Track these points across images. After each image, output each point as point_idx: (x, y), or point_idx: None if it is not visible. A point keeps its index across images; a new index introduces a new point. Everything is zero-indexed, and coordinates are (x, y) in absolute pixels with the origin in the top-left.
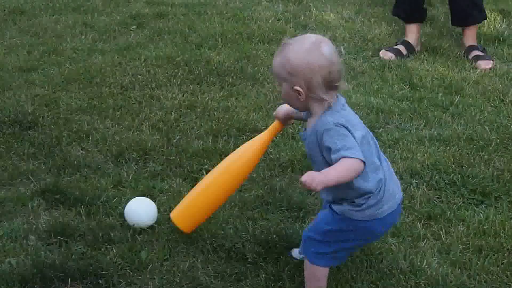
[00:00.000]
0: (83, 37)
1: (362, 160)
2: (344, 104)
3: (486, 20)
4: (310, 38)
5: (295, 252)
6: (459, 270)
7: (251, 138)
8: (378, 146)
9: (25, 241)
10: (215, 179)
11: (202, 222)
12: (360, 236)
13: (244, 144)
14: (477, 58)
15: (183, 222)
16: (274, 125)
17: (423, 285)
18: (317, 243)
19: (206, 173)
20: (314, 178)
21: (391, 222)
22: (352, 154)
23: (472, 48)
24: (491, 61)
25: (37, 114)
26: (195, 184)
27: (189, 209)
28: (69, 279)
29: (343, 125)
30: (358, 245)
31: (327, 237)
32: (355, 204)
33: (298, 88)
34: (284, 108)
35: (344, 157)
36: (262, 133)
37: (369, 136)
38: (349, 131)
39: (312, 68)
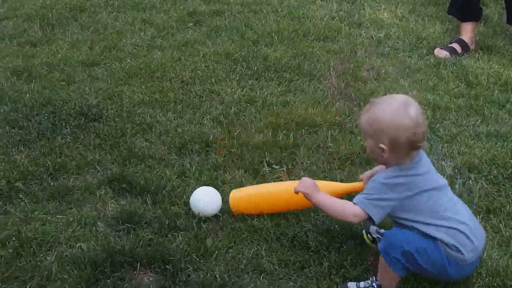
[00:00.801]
0: (142, 33)
1: (361, 213)
2: (418, 161)
3: None
4: (398, 99)
5: (372, 229)
6: None
7: (310, 132)
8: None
9: (94, 228)
10: (284, 191)
11: (250, 211)
12: (435, 268)
13: (325, 182)
14: None
15: (235, 203)
16: (357, 184)
17: (484, 275)
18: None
19: (267, 165)
20: (307, 188)
21: (468, 271)
22: (360, 203)
23: None
24: None
25: (101, 106)
26: (257, 175)
27: (250, 198)
28: (138, 264)
29: (388, 184)
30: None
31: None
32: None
33: (382, 146)
34: (368, 174)
35: (355, 202)
36: (344, 184)
37: (434, 192)
38: (388, 191)
39: (398, 128)
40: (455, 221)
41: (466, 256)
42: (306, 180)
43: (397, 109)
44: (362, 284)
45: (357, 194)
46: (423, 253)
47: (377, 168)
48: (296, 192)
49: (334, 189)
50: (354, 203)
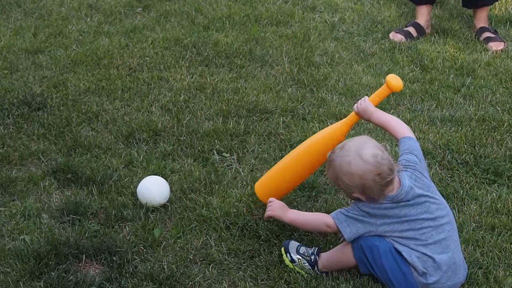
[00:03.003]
0: (88, 19)
1: (334, 225)
2: (401, 191)
3: (497, 2)
4: (350, 149)
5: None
6: (472, 247)
7: (261, 119)
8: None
9: (38, 219)
10: (298, 157)
11: (280, 195)
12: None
13: (326, 128)
14: (489, 39)
15: (261, 192)
16: (352, 117)
17: None
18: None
19: (217, 153)
20: (276, 211)
21: None
22: (336, 218)
23: (483, 29)
24: (503, 43)
25: (46, 95)
26: (207, 164)
27: (268, 182)
28: (84, 256)
29: (369, 212)
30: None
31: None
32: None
33: (355, 195)
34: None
35: (332, 215)
36: (342, 120)
37: (411, 223)
38: (367, 217)
39: (360, 177)
40: (431, 251)
41: (428, 281)
42: (274, 203)
43: (352, 161)
44: (302, 249)
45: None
46: (390, 258)
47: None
48: (267, 218)
49: (334, 132)
50: (331, 216)
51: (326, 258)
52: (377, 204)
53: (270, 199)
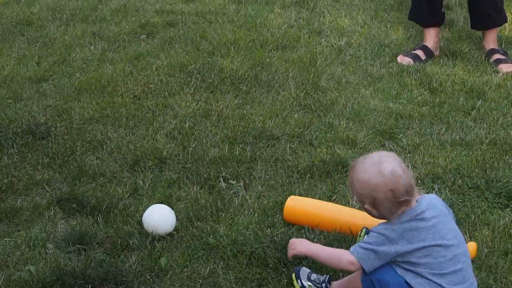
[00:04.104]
0: (92, 47)
1: (357, 262)
2: (415, 214)
3: (507, 23)
4: (372, 159)
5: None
6: (485, 273)
7: (268, 145)
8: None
9: (43, 249)
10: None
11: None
12: None
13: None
14: (499, 61)
15: (289, 210)
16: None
17: None
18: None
19: (224, 180)
20: (298, 247)
21: None
22: (354, 252)
23: (493, 51)
24: None
25: (50, 124)
26: (213, 191)
27: (304, 204)
28: (90, 286)
29: (385, 236)
30: None
31: None
32: None
33: (367, 207)
34: None
35: (351, 251)
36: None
37: (429, 249)
38: (384, 242)
39: (373, 189)
40: (448, 282)
41: None
42: (294, 240)
43: (369, 169)
44: (314, 276)
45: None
46: None
47: None
48: (291, 258)
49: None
50: (351, 252)
51: (336, 287)
52: (394, 223)
53: (291, 240)
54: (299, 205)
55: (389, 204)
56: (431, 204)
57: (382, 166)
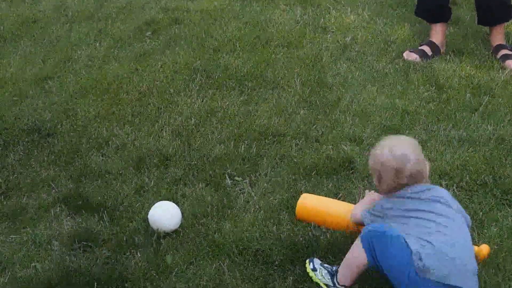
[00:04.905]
0: (97, 44)
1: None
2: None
3: None
4: (391, 139)
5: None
6: (493, 271)
7: (273, 142)
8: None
9: (49, 247)
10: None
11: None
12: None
13: None
14: (506, 57)
15: (301, 207)
16: None
17: None
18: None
19: (229, 178)
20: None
21: None
22: (362, 213)
23: (500, 47)
24: None
25: (55, 122)
26: (218, 188)
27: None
28: (95, 283)
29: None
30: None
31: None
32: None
33: (374, 180)
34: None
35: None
36: None
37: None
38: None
39: (379, 165)
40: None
41: (424, 265)
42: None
43: (382, 149)
44: (326, 265)
45: None
46: (396, 243)
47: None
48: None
49: None
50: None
51: (342, 265)
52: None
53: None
54: (312, 202)
55: (390, 182)
56: (435, 190)
57: (395, 147)
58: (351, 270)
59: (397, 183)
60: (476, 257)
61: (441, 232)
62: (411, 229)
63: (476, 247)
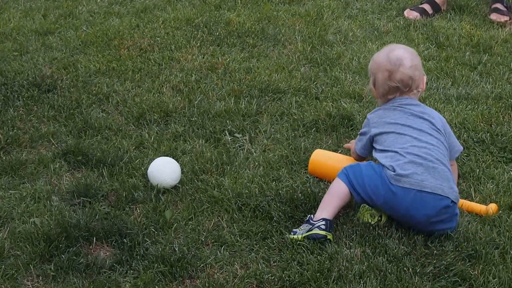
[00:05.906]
0: (99, 0)
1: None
2: (399, 104)
3: None
4: (391, 46)
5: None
6: (489, 227)
7: (274, 98)
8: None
9: (48, 202)
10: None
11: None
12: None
13: None
14: (494, 10)
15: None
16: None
17: (455, 240)
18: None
19: (229, 134)
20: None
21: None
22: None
23: (497, 0)
24: (507, 17)
25: (56, 77)
26: (218, 144)
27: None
28: (94, 239)
29: (368, 118)
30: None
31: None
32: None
33: (370, 85)
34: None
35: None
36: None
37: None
38: (365, 125)
39: (376, 67)
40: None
41: (397, 173)
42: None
43: (382, 51)
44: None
45: None
46: (367, 165)
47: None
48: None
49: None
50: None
51: (321, 203)
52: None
53: None
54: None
55: (384, 85)
56: (423, 107)
57: (392, 52)
58: (331, 203)
59: (389, 87)
60: (486, 216)
61: (416, 146)
62: (390, 145)
63: (484, 207)
